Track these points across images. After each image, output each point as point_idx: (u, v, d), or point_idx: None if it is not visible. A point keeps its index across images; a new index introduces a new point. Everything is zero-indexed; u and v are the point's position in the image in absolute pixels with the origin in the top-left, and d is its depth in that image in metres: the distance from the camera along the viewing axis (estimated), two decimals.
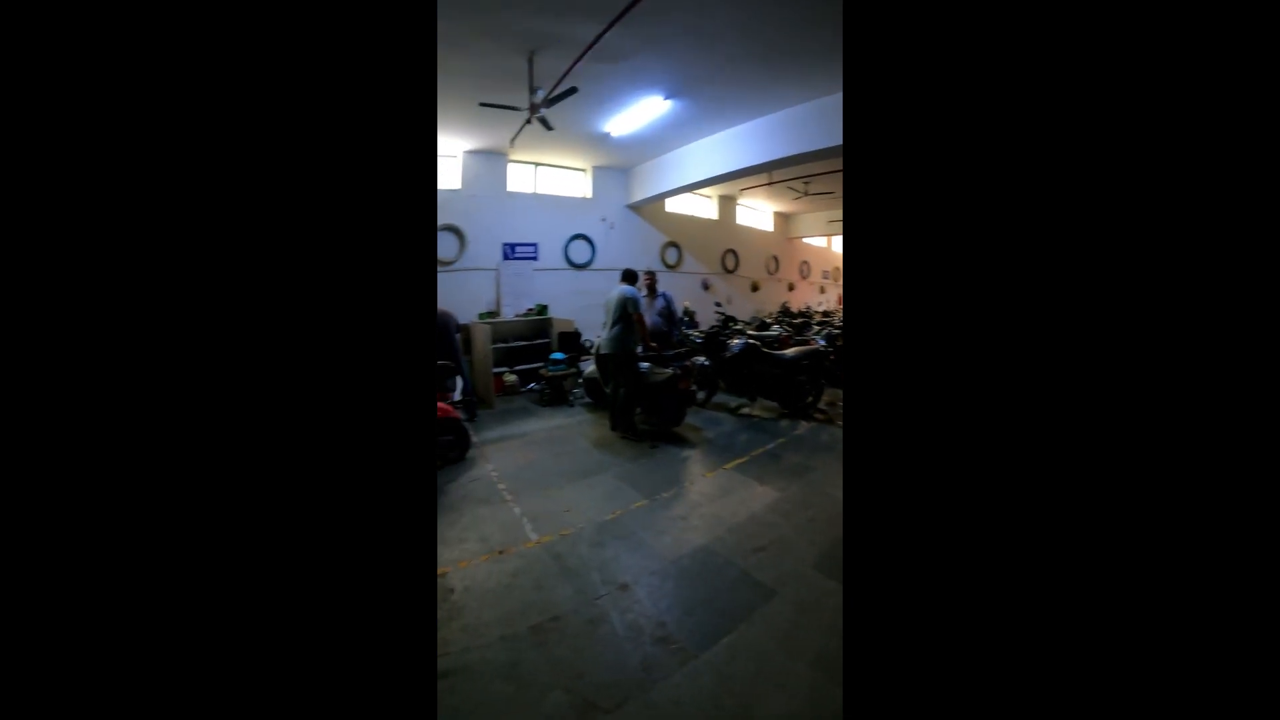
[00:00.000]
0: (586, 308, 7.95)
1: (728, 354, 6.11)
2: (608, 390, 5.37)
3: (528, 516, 3.47)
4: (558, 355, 6.94)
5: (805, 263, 14.46)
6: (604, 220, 9.02)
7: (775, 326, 8.42)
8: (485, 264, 7.83)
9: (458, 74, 4.78)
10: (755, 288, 12.32)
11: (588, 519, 3.41)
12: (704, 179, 7.37)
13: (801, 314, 10.93)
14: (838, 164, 6.78)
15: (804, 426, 5.48)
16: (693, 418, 5.63)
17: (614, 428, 5.26)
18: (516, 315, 7.85)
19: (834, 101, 5.40)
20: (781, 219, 13.36)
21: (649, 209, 9.57)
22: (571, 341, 7.28)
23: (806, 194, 10.02)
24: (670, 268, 10.09)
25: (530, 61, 4.54)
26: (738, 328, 7.70)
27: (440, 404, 4.51)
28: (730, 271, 11.56)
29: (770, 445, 4.87)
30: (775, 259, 13.06)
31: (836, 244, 15.64)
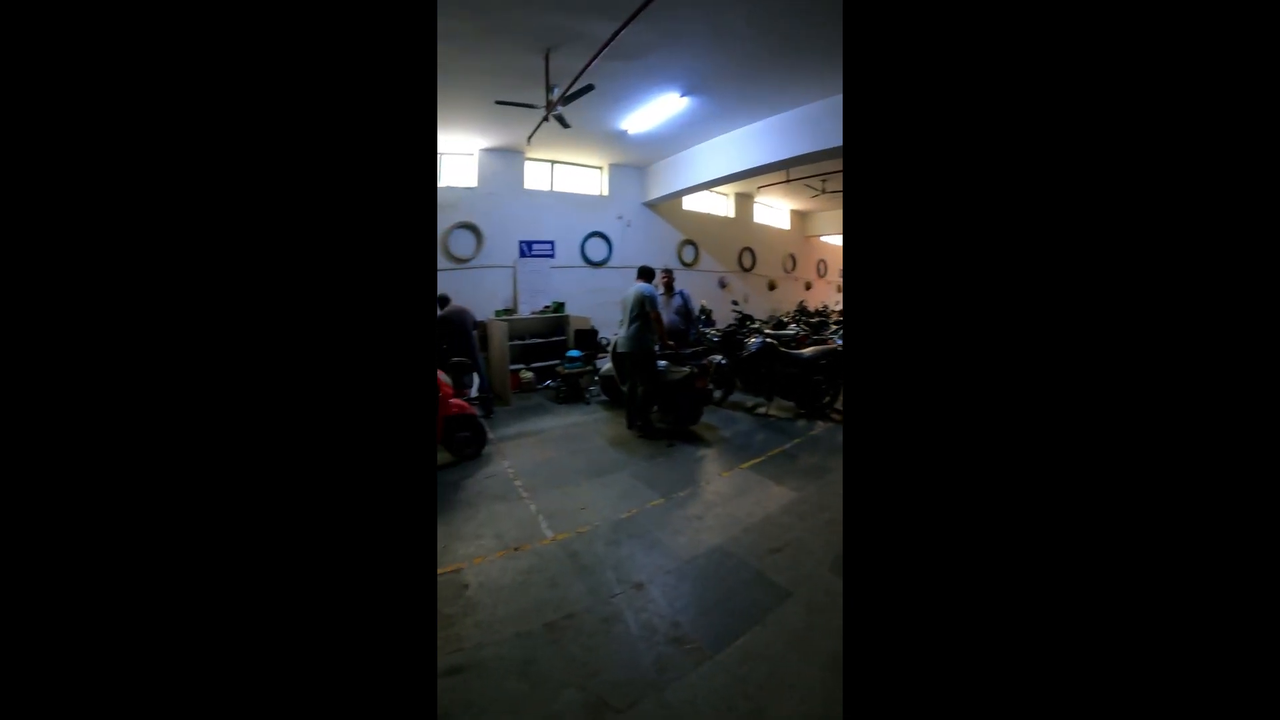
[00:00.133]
0: (603, 305, 7.97)
1: (745, 353, 6.08)
2: (624, 388, 5.37)
3: (543, 513, 3.48)
4: (574, 353, 6.96)
5: (823, 261, 14.33)
6: (620, 218, 9.02)
7: (792, 325, 8.35)
8: (502, 261, 7.87)
9: (474, 72, 4.81)
10: (772, 286, 12.24)
11: (603, 517, 3.41)
12: (721, 177, 7.33)
13: (819, 313, 10.82)
14: None
15: (821, 427, 5.43)
16: (709, 416, 5.61)
17: (630, 426, 5.26)
18: (533, 312, 7.88)
19: None
20: (799, 217, 13.25)
21: (665, 207, 9.55)
22: (588, 339, 7.30)
23: (824, 192, 9.93)
24: (687, 266, 10.06)
25: (546, 59, 4.55)
26: (755, 326, 7.65)
27: (457, 400, 4.55)
28: (747, 270, 11.50)
29: (787, 445, 4.83)
30: (792, 257, 12.96)
31: None
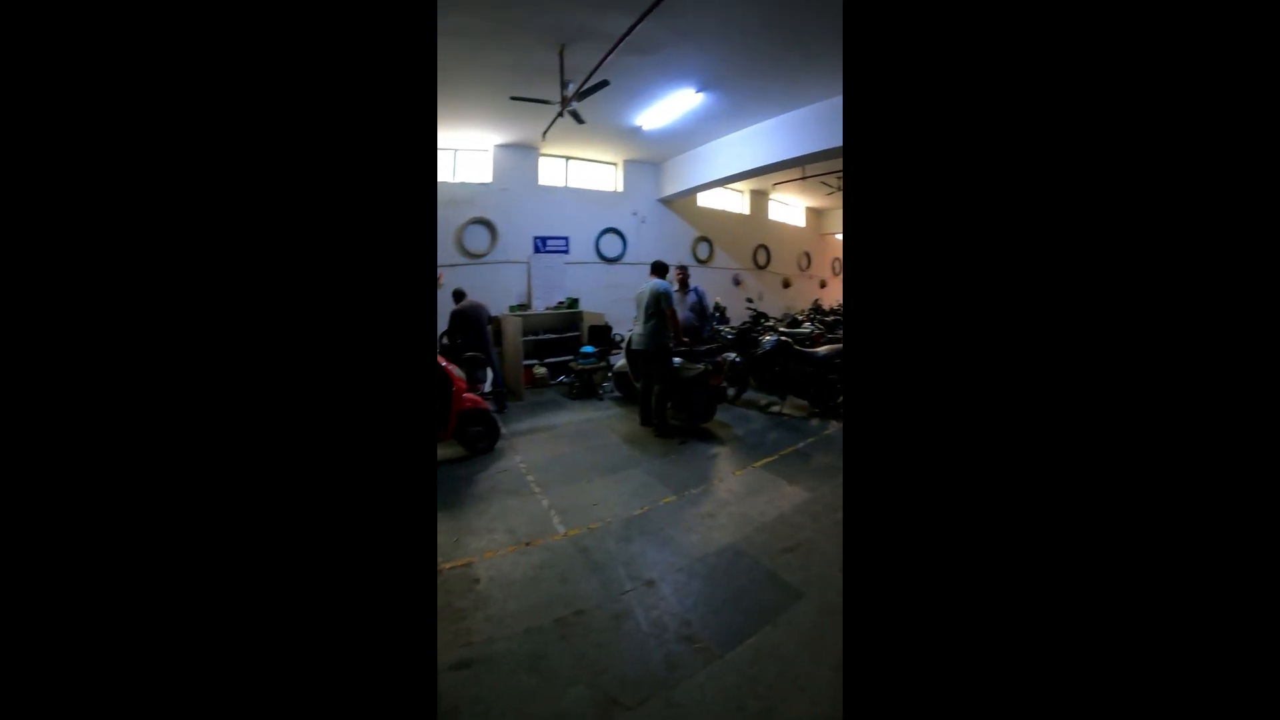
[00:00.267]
0: (617, 301, 7.96)
1: (759, 351, 6.04)
2: (638, 385, 5.36)
3: (555, 509, 3.49)
4: (588, 349, 6.96)
5: (838, 259, 14.18)
6: (635, 214, 9.00)
7: (807, 324, 8.29)
8: (517, 257, 7.89)
9: (489, 68, 4.81)
10: (787, 284, 12.16)
11: (615, 513, 3.41)
12: (736, 173, 7.29)
13: (834, 311, 10.72)
14: None
15: (834, 426, 5.38)
16: (722, 414, 5.58)
17: (644, 423, 5.25)
18: (547, 308, 7.90)
19: None
20: (814, 215, 13.15)
21: (680, 203, 9.51)
22: (602, 335, 7.30)
23: (840, 189, 9.83)
24: (701, 263, 10.02)
25: (561, 55, 4.54)
26: (769, 324, 7.61)
27: (470, 394, 4.56)
28: (762, 267, 11.43)
29: (800, 445, 4.79)
30: (807, 255, 12.87)
31: None
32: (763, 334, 6.46)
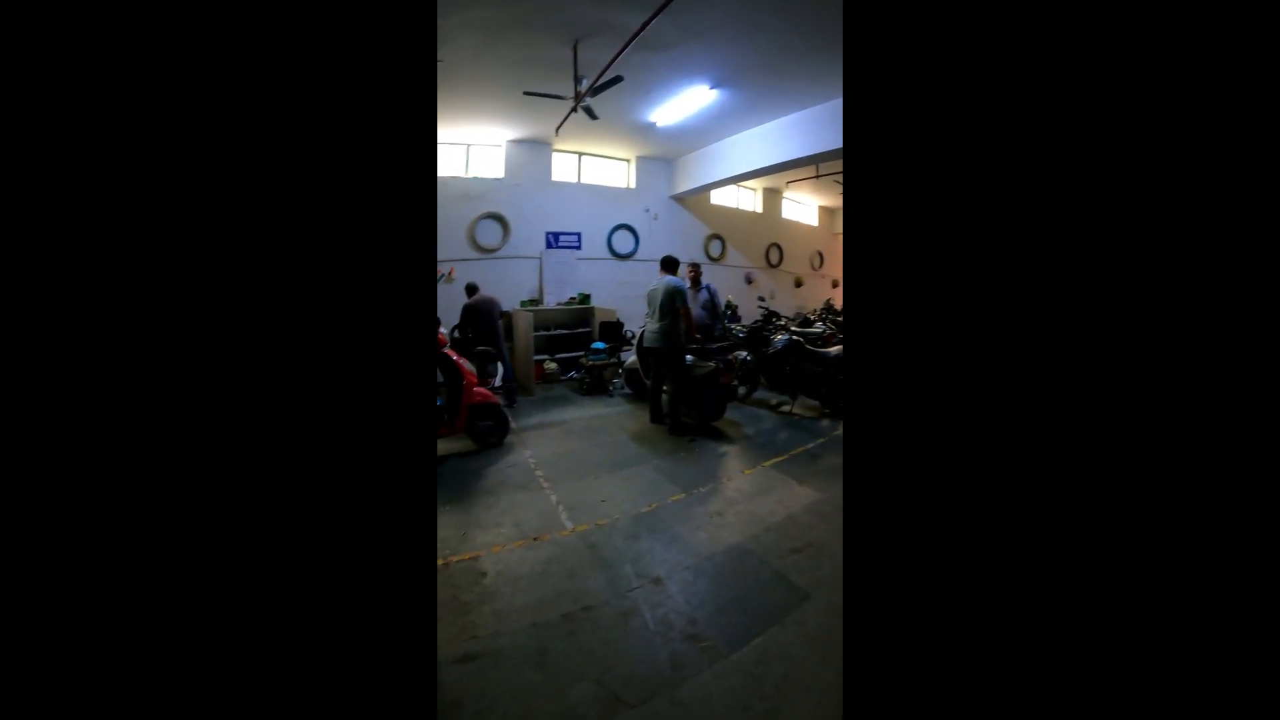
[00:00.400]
0: (629, 298, 7.94)
1: (770, 350, 6.01)
2: (648, 382, 5.35)
3: (564, 505, 3.49)
4: (599, 345, 6.95)
5: None
6: (648, 211, 8.98)
7: (819, 324, 8.23)
8: (529, 252, 7.91)
9: (502, 63, 4.81)
10: (799, 283, 12.08)
11: (623, 510, 3.41)
12: (749, 171, 7.25)
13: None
14: None
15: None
16: (732, 413, 5.57)
17: (654, 420, 5.24)
18: (559, 304, 7.91)
19: None
20: (827, 214, 13.04)
21: (693, 200, 9.48)
22: (613, 331, 7.29)
23: None
24: (714, 260, 9.99)
25: (575, 50, 4.53)
26: (781, 323, 7.57)
27: (480, 389, 4.58)
28: (774, 266, 11.37)
29: (810, 445, 4.76)
30: (820, 254, 12.77)
31: None
32: (774, 333, 6.42)
